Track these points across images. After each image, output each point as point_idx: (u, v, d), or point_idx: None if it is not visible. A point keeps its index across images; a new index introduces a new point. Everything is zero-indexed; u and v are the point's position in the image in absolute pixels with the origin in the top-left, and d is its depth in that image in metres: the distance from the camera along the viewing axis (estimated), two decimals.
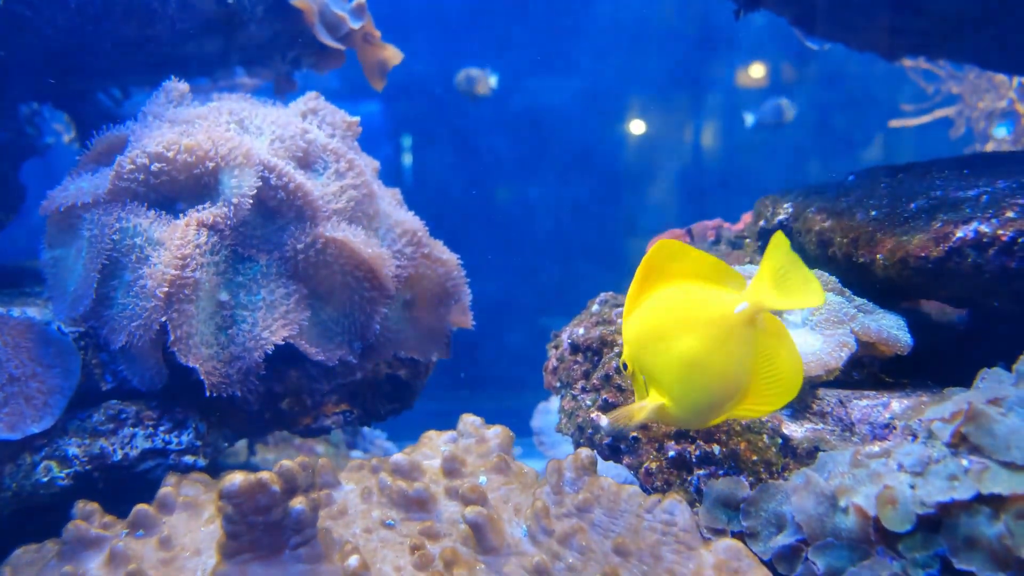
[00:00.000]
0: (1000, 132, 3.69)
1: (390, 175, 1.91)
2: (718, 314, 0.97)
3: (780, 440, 1.14)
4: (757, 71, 4.75)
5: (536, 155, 4.83)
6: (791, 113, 4.04)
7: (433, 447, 1.28)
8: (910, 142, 4.32)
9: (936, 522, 0.91)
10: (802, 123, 4.75)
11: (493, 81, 3.95)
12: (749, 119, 4.14)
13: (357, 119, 1.74)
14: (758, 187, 1.89)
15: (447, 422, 1.38)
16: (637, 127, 4.86)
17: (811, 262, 1.45)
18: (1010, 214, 1.12)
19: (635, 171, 4.89)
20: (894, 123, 3.92)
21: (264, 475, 0.95)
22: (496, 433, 1.27)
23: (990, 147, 3.70)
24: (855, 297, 1.29)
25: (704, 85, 4.83)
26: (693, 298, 1.01)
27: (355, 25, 2.13)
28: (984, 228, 1.12)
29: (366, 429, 2.93)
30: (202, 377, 1.35)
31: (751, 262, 1.60)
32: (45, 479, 1.32)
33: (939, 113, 3.85)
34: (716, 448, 1.18)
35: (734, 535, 1.08)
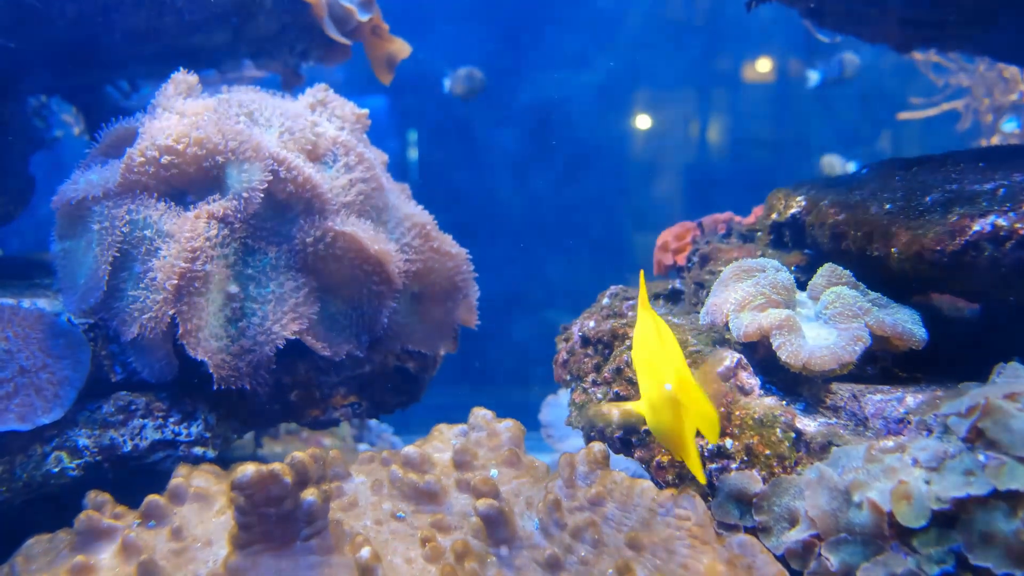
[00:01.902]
0: (1009, 126, 3.66)
1: (396, 170, 1.90)
2: (657, 382, 1.06)
3: (793, 434, 1.14)
4: (764, 65, 4.72)
5: (544, 150, 4.81)
6: (852, 68, 3.94)
7: (444, 440, 1.28)
8: (918, 137, 4.30)
9: (951, 518, 0.90)
10: (810, 118, 4.72)
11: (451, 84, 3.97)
12: (814, 77, 4.04)
13: (366, 112, 1.74)
14: (765, 182, 1.88)
15: (453, 417, 1.38)
16: (644, 121, 4.84)
17: (824, 256, 1.44)
18: None
19: (643, 165, 4.87)
20: (903, 115, 3.88)
21: (276, 466, 0.95)
22: (507, 427, 1.26)
23: (996, 140, 3.68)
24: (869, 291, 1.28)
25: (712, 79, 4.80)
26: (658, 352, 1.08)
27: (363, 18, 2.13)
28: (1001, 221, 1.11)
29: (373, 423, 2.93)
30: (211, 370, 1.35)
31: (763, 255, 1.59)
32: (56, 470, 1.32)
33: (947, 106, 3.81)
34: (729, 442, 1.17)
35: (747, 530, 1.08)
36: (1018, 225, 1.09)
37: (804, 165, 4.67)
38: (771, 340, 1.19)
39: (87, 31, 1.71)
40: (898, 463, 0.98)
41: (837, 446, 1.09)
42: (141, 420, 1.40)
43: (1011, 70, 3.60)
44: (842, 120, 4.77)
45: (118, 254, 1.37)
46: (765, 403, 1.20)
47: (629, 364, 1.40)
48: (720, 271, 1.42)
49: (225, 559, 0.97)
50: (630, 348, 1.43)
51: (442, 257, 1.68)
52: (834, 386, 1.19)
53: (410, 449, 1.21)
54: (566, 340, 1.63)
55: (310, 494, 0.97)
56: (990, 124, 3.70)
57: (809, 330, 1.23)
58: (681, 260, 2.04)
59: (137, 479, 1.37)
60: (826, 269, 1.32)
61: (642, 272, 1.20)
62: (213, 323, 1.37)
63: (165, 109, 1.55)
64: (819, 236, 1.46)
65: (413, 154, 4.78)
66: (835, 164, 3.98)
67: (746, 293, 1.28)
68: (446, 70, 3.97)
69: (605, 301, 1.65)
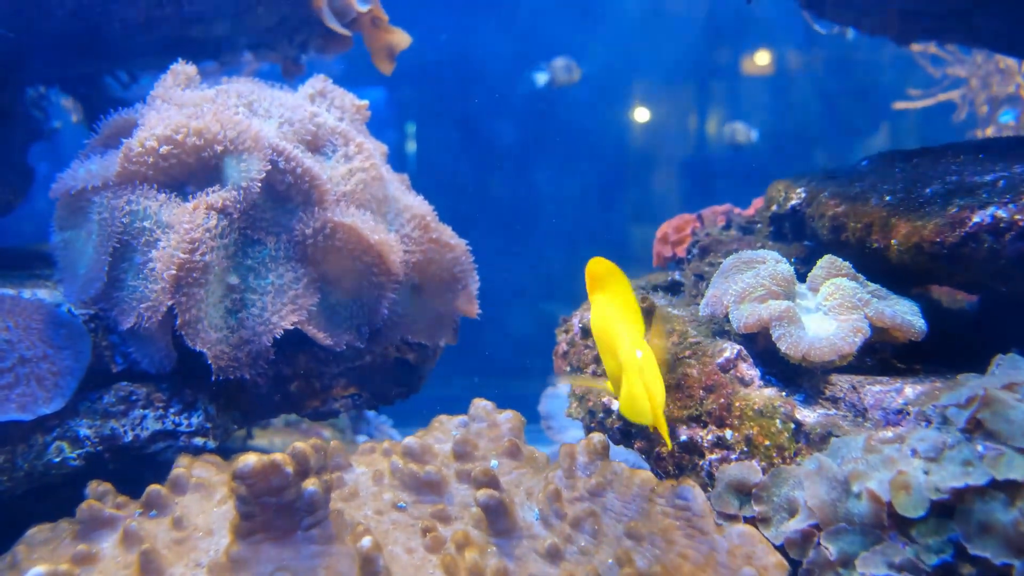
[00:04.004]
0: (1005, 119, 3.67)
1: (395, 162, 1.91)
2: (612, 356, 1.10)
3: (793, 425, 1.14)
4: (763, 58, 4.72)
5: (543, 141, 4.80)
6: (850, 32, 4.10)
7: (444, 431, 1.28)
8: (915, 130, 4.30)
9: (950, 508, 0.91)
10: (807, 111, 4.72)
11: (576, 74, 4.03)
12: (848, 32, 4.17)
13: (366, 102, 1.73)
14: (765, 174, 1.88)
15: (452, 409, 1.38)
16: (643, 114, 4.84)
17: (824, 247, 1.45)
18: None
19: (641, 158, 4.87)
20: (899, 105, 3.89)
21: (277, 456, 0.95)
22: (508, 418, 1.27)
23: (991, 132, 3.68)
24: (869, 283, 1.29)
25: (711, 71, 4.80)
26: (611, 328, 1.13)
27: (362, 8, 2.11)
28: (1001, 213, 1.11)
29: (371, 414, 2.93)
30: (210, 361, 1.35)
31: (762, 247, 1.59)
32: (57, 459, 1.32)
33: (943, 96, 3.82)
34: (728, 433, 1.17)
35: (746, 520, 1.08)
36: (1018, 217, 1.09)
37: (803, 157, 4.67)
38: (771, 331, 1.19)
39: (86, 21, 1.70)
40: (897, 454, 0.99)
41: (836, 437, 1.09)
42: (142, 410, 1.40)
43: (1008, 62, 3.60)
44: (841, 111, 4.76)
45: (118, 245, 1.37)
46: (765, 394, 1.20)
47: None
48: (720, 262, 1.42)
49: (227, 548, 0.98)
50: None
51: (442, 248, 1.68)
52: (833, 377, 1.20)
53: (411, 440, 1.21)
54: (566, 332, 1.64)
55: (311, 484, 0.98)
56: (986, 115, 3.70)
57: (809, 321, 1.23)
58: (681, 252, 2.04)
59: (138, 469, 1.37)
60: (825, 261, 1.32)
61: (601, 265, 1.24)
62: (212, 314, 1.37)
63: (164, 100, 1.54)
64: (819, 228, 1.46)
65: (412, 146, 4.77)
66: (739, 130, 4.15)
67: (746, 284, 1.28)
68: (540, 63, 3.99)
69: None
